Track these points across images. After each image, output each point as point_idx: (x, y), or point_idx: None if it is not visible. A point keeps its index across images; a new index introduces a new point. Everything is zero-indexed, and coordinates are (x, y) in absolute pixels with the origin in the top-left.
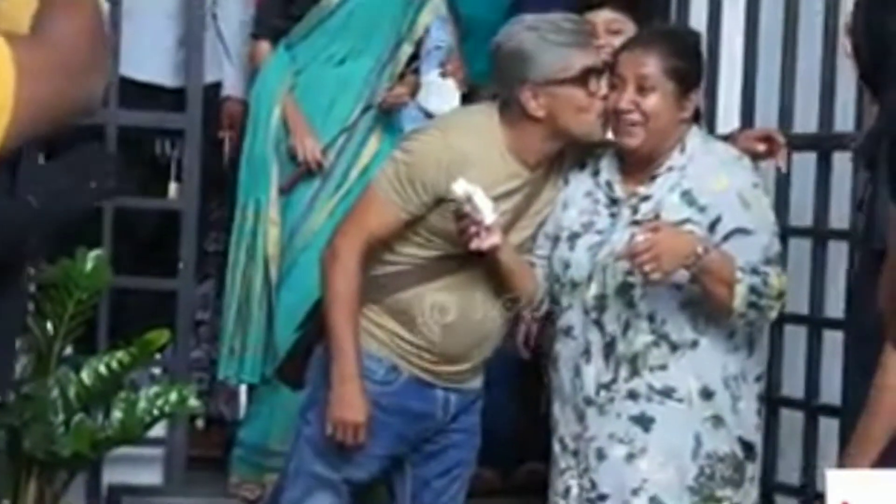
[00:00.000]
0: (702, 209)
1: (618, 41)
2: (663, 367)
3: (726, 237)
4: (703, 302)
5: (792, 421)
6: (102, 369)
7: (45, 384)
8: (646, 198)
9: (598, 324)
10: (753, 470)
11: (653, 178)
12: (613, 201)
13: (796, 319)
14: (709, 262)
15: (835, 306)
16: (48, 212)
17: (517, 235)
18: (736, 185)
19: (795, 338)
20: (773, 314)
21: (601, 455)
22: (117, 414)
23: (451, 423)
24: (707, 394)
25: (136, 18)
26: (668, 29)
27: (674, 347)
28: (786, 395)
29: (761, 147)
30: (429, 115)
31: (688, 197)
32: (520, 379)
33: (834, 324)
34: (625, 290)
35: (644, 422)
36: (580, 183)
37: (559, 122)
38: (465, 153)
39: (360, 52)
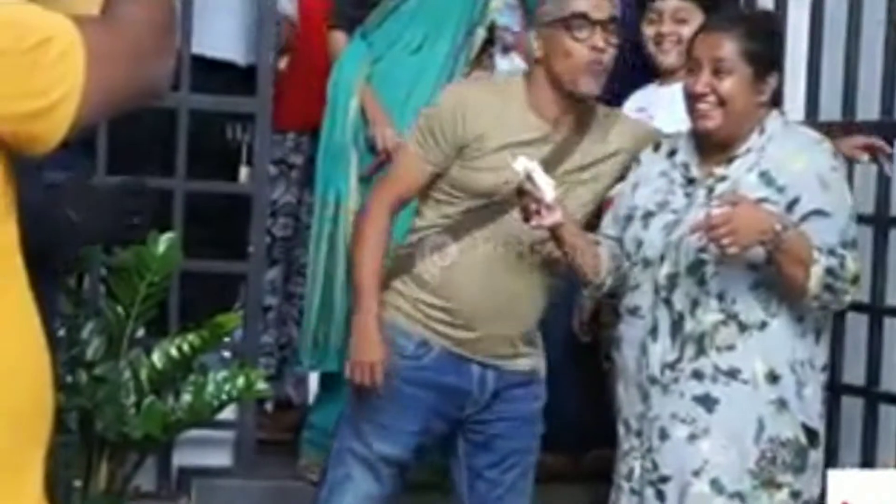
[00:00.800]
0: (780, 189)
1: (685, 30)
2: (731, 348)
3: (804, 218)
4: (775, 283)
5: (852, 408)
6: (173, 352)
7: (117, 366)
8: (722, 178)
9: (668, 302)
10: (816, 457)
11: (730, 159)
12: (690, 181)
13: (857, 308)
14: (787, 241)
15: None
16: (83, 229)
17: (566, 195)
18: (815, 166)
19: (856, 326)
20: (848, 298)
21: (664, 435)
22: (186, 397)
23: (493, 408)
24: (773, 377)
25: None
26: (745, 13)
27: (742, 328)
28: (847, 382)
29: (865, 156)
30: None
31: (766, 177)
32: (583, 364)
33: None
34: (696, 267)
35: (708, 402)
36: (654, 163)
37: (552, 66)
38: (479, 101)
39: (435, 38)
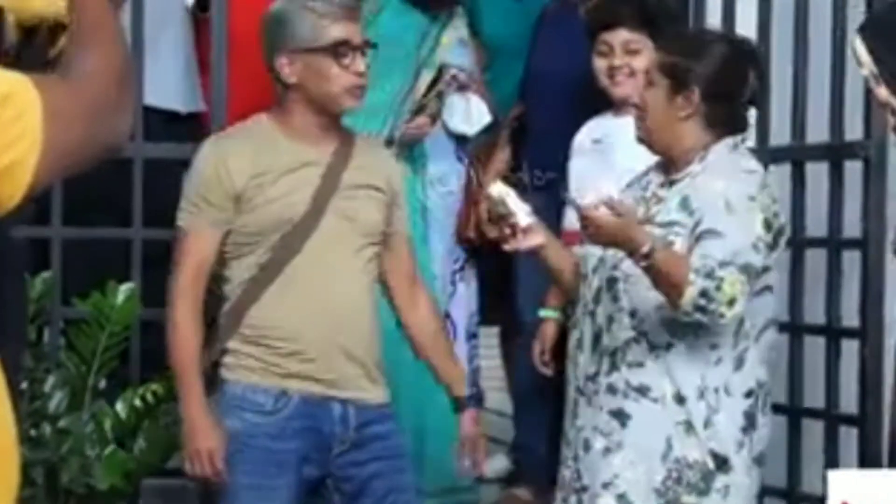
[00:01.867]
0: (691, 213)
1: (637, 61)
2: (640, 365)
3: (699, 237)
4: None
5: (812, 431)
6: (137, 402)
7: (80, 418)
8: (660, 200)
9: (593, 315)
10: (726, 481)
11: (672, 182)
12: (643, 199)
13: (813, 330)
14: (657, 263)
15: (849, 315)
16: None
17: (353, 209)
18: (728, 191)
19: (814, 349)
20: (724, 320)
21: (586, 446)
22: (144, 444)
23: (362, 449)
24: (680, 398)
25: (150, 46)
26: (695, 32)
27: (651, 346)
28: (807, 405)
29: None
30: (459, 139)
31: (685, 202)
32: (550, 398)
33: (850, 333)
34: (612, 283)
35: (622, 417)
36: (642, 178)
37: (311, 91)
38: (235, 148)
39: (385, 78)
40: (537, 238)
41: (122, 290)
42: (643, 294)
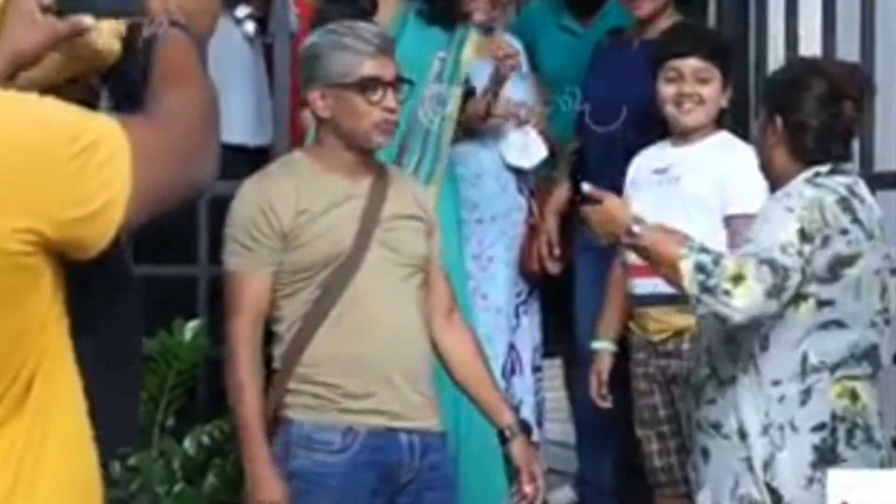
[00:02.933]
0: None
1: (706, 90)
2: (713, 402)
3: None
4: (745, 338)
5: None
6: (205, 439)
7: (150, 456)
8: None
9: (692, 356)
10: None
11: None
12: None
13: None
14: (643, 242)
15: None
16: None
17: (396, 240)
18: (768, 212)
19: None
20: (738, 302)
21: (696, 480)
22: (213, 480)
23: (421, 477)
24: (742, 434)
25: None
26: (796, 59)
27: (720, 382)
28: None
29: None
30: (519, 172)
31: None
32: (611, 428)
33: None
34: (697, 321)
35: (705, 454)
36: None
37: (342, 126)
38: (277, 186)
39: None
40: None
41: (189, 328)
42: (713, 327)
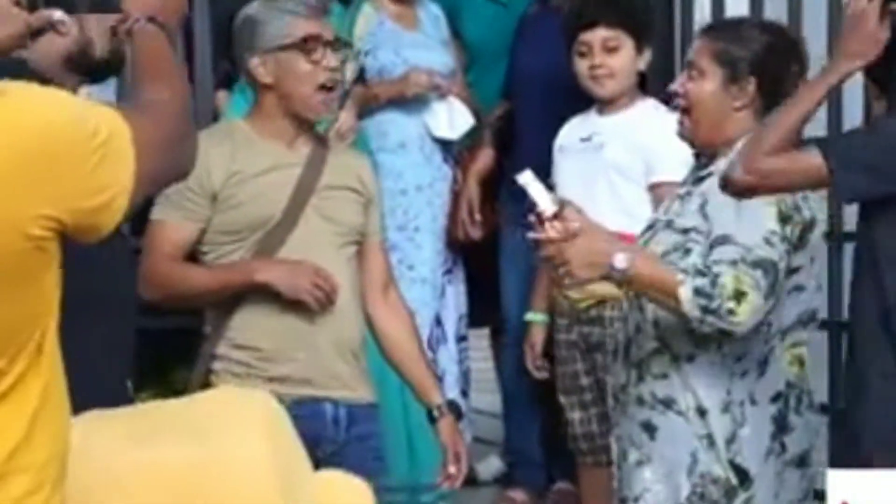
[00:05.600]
0: (706, 218)
1: (615, 59)
2: (665, 376)
3: (711, 244)
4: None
5: None
6: None
7: None
8: (689, 196)
9: (625, 323)
10: (746, 497)
11: (701, 179)
12: (685, 195)
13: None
14: (634, 275)
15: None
16: None
17: (332, 209)
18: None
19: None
20: (741, 318)
21: (624, 456)
22: None
23: (343, 450)
24: (701, 412)
25: None
26: (730, 19)
27: (674, 358)
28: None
29: None
30: (443, 143)
31: (703, 207)
32: (540, 399)
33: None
34: (639, 293)
35: (650, 429)
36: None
37: (283, 90)
38: (212, 148)
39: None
40: (569, 227)
41: None
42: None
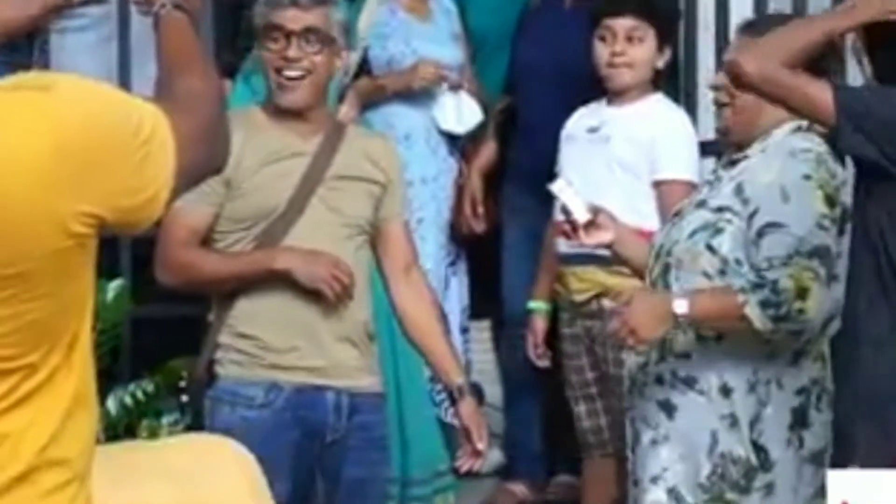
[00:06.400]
0: (745, 201)
1: (637, 50)
2: (687, 356)
3: (760, 232)
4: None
5: None
6: (127, 399)
7: None
8: (718, 180)
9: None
10: (766, 480)
11: (733, 162)
12: (714, 180)
13: None
14: (698, 314)
15: None
16: None
17: (338, 199)
18: (783, 177)
19: None
20: (811, 314)
21: (636, 438)
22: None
23: (345, 438)
24: (726, 391)
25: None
26: (778, 16)
27: (700, 337)
28: None
29: None
30: (450, 136)
31: (739, 189)
32: (542, 390)
33: None
34: (665, 271)
35: (668, 408)
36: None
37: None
38: None
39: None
40: (603, 235)
41: (112, 288)
42: (693, 281)
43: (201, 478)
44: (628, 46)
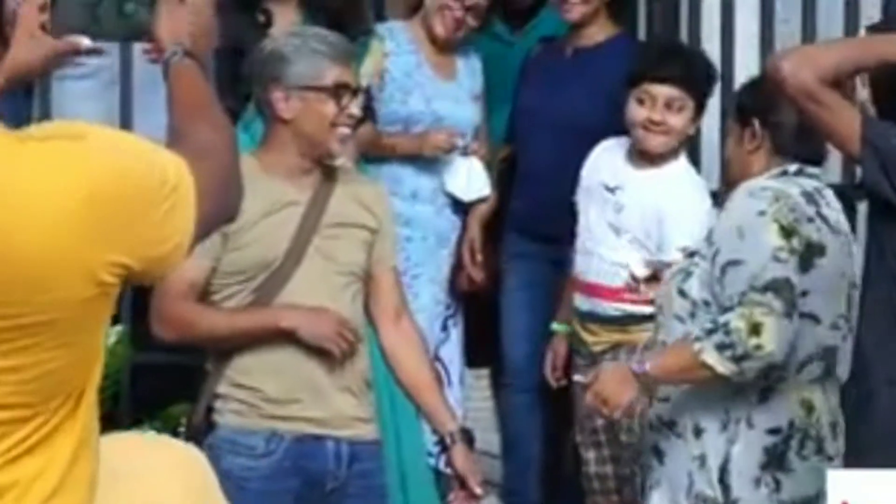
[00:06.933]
0: (710, 243)
1: (676, 119)
2: (667, 399)
3: (722, 270)
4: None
5: None
6: None
7: None
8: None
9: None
10: None
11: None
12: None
13: None
14: (659, 372)
15: None
16: None
17: (333, 248)
18: (739, 216)
19: None
20: (769, 349)
21: (641, 484)
22: None
23: (349, 485)
24: (698, 431)
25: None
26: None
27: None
28: None
29: None
30: (458, 203)
31: (710, 234)
32: (543, 438)
33: None
34: (652, 316)
35: (658, 453)
36: None
37: (303, 129)
38: None
39: None
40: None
41: (113, 333)
42: (670, 325)
43: (135, 477)
44: (668, 114)
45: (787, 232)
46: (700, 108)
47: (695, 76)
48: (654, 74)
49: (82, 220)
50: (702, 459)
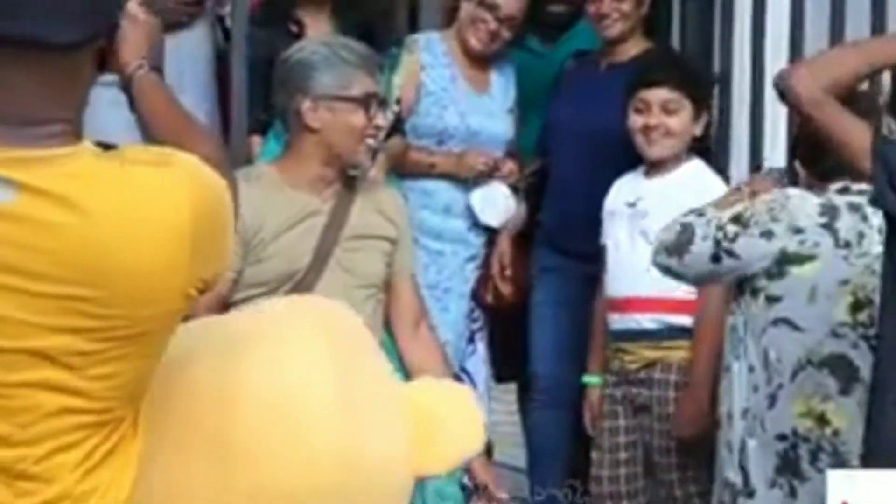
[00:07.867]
0: None
1: (673, 121)
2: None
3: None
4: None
5: None
6: None
7: None
8: None
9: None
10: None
11: None
12: None
13: None
14: None
15: None
16: None
17: (354, 260)
18: None
19: None
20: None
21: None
22: None
23: None
24: (729, 416)
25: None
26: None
27: (726, 369)
28: None
29: None
30: (488, 229)
31: None
32: (564, 453)
33: None
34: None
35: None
36: None
37: (330, 139)
38: (246, 195)
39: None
40: None
41: None
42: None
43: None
44: (664, 118)
45: (739, 220)
46: (700, 109)
47: (686, 77)
48: (646, 80)
49: (188, 239)
50: (729, 445)
